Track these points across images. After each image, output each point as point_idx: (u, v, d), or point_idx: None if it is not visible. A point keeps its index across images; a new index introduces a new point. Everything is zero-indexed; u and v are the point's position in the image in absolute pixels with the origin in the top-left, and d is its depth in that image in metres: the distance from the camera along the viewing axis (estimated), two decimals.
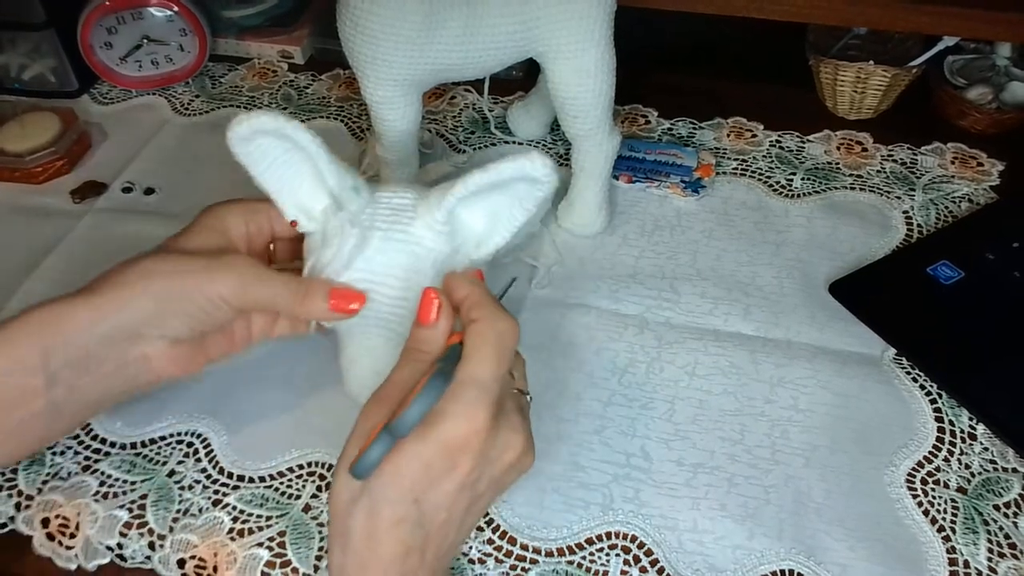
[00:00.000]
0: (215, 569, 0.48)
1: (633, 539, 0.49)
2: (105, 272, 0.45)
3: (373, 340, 0.49)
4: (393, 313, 0.48)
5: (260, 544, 0.49)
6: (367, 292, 0.47)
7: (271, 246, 0.51)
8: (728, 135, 0.75)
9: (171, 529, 0.50)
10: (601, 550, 0.48)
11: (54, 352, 0.43)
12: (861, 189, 0.69)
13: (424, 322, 0.43)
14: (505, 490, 0.43)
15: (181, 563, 0.49)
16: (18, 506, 0.52)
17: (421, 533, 0.39)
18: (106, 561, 0.50)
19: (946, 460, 0.52)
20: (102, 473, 0.53)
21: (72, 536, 0.50)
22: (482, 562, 0.48)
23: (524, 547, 0.49)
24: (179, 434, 0.55)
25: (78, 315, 0.43)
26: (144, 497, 0.51)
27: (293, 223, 0.49)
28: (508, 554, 0.49)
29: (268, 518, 0.50)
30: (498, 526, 0.50)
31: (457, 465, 0.39)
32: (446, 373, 0.40)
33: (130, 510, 0.51)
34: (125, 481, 0.52)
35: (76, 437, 0.55)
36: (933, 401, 0.54)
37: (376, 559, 0.39)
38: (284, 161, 0.48)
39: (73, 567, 0.50)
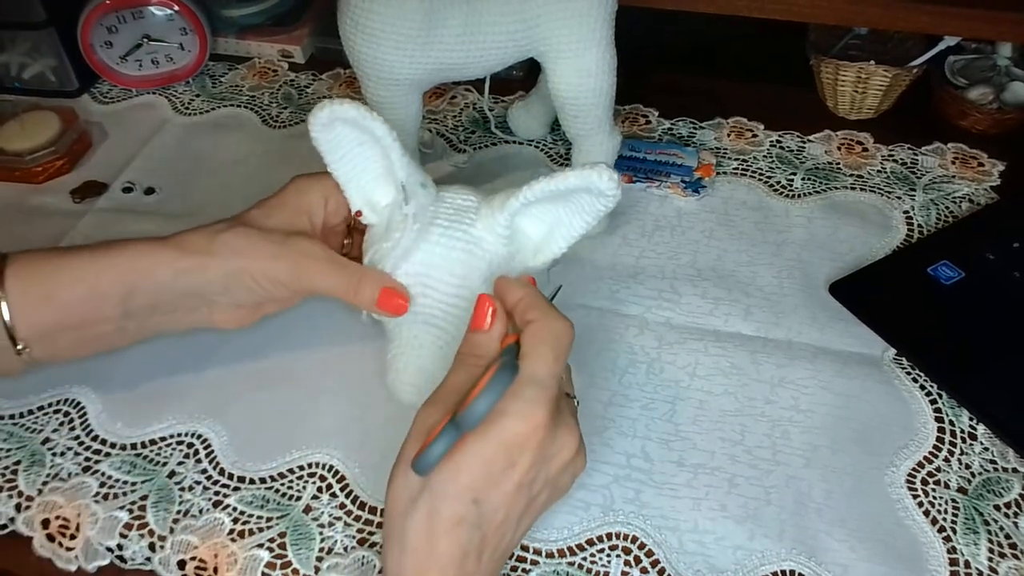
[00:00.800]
0: (215, 570, 0.48)
1: (634, 540, 0.49)
2: (195, 230, 0.49)
3: (421, 336, 0.49)
4: (444, 311, 0.49)
5: (260, 545, 0.49)
6: (421, 286, 0.49)
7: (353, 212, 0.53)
8: (728, 135, 0.75)
9: (171, 530, 0.50)
10: (602, 551, 0.48)
11: (135, 293, 0.48)
12: (862, 189, 0.69)
13: (479, 327, 0.44)
14: (561, 494, 0.44)
15: (181, 564, 0.49)
16: (18, 507, 0.51)
17: (478, 535, 0.39)
18: (106, 562, 0.50)
19: (946, 460, 0.52)
20: (102, 474, 0.53)
21: (72, 537, 0.50)
22: None
23: (525, 548, 0.49)
24: (179, 435, 0.55)
25: (164, 268, 0.48)
26: (144, 498, 0.51)
27: (358, 213, 0.51)
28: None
29: (268, 519, 0.50)
30: None
31: (516, 463, 0.39)
32: (512, 367, 0.40)
33: (130, 511, 0.51)
34: (125, 482, 0.52)
35: (76, 438, 0.55)
36: (933, 401, 0.54)
37: (434, 560, 0.39)
38: (357, 153, 0.50)
39: (73, 568, 0.50)
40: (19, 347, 0.48)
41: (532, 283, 0.47)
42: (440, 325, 0.49)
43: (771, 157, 0.73)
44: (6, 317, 0.47)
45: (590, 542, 0.49)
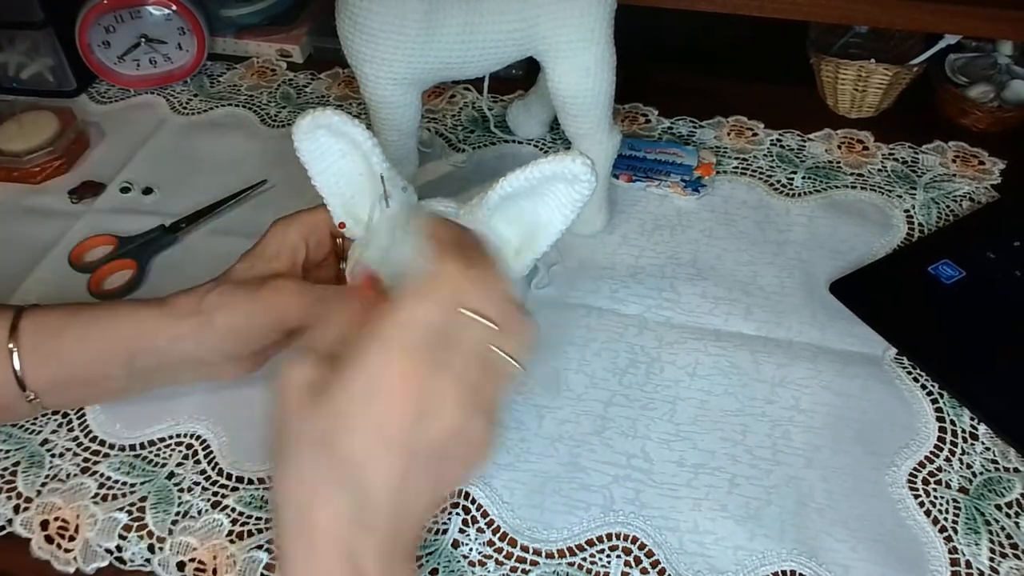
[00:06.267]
0: (215, 572, 0.48)
1: (634, 540, 0.49)
2: (186, 292, 0.50)
3: None
4: None
5: (259, 547, 0.49)
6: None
7: (338, 240, 0.54)
8: (729, 134, 0.75)
9: (170, 531, 0.50)
10: (602, 551, 0.48)
11: (137, 356, 0.50)
12: (862, 188, 0.69)
13: None
14: (458, 479, 0.40)
15: (181, 566, 0.49)
16: (17, 508, 0.51)
17: (357, 499, 0.35)
18: (105, 564, 0.49)
19: (948, 460, 0.51)
20: (101, 475, 0.53)
21: (71, 539, 0.50)
22: (482, 564, 0.48)
23: (524, 548, 0.49)
24: (178, 436, 0.55)
25: (161, 335, 0.49)
26: (143, 499, 0.51)
27: (341, 225, 0.51)
28: (508, 556, 0.48)
29: (268, 520, 0.50)
30: (498, 527, 0.49)
31: (386, 416, 0.35)
32: None
33: (129, 512, 0.51)
34: (124, 483, 0.52)
35: (75, 439, 0.54)
36: (935, 401, 0.54)
37: (312, 527, 0.35)
38: (340, 166, 0.50)
39: (72, 570, 0.49)
40: (30, 397, 0.49)
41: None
42: None
43: (771, 156, 0.73)
44: (17, 368, 0.48)
45: (590, 542, 0.49)
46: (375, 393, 0.35)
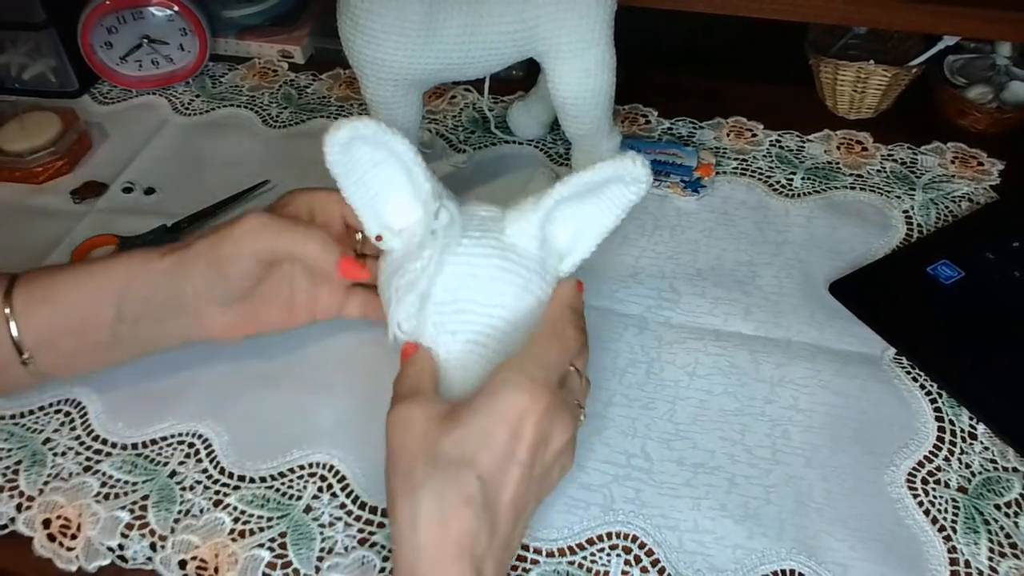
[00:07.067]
0: (216, 570, 0.48)
1: (634, 539, 0.49)
2: (186, 239, 0.52)
3: (464, 357, 0.46)
4: (485, 326, 0.46)
5: (261, 545, 0.49)
6: (461, 302, 0.46)
7: (358, 235, 0.54)
8: (728, 135, 0.75)
9: (172, 530, 0.50)
10: (602, 550, 0.48)
11: (127, 295, 0.50)
12: (861, 188, 0.69)
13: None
14: (550, 489, 0.45)
15: (182, 564, 0.49)
16: (19, 507, 0.52)
17: (488, 516, 0.40)
18: (107, 562, 0.50)
19: (946, 460, 0.52)
20: (103, 474, 0.53)
21: (73, 537, 0.50)
22: None
23: (525, 547, 0.49)
24: (180, 435, 0.55)
25: (154, 273, 0.51)
26: (146, 498, 0.52)
27: (378, 238, 0.49)
28: None
29: (269, 519, 0.50)
30: None
31: (519, 436, 0.41)
32: None
33: (131, 511, 0.51)
34: (127, 482, 0.52)
35: (77, 438, 0.55)
36: (933, 401, 0.54)
37: (447, 540, 0.39)
38: (372, 176, 0.48)
39: (74, 568, 0.50)
40: (24, 356, 0.49)
41: (580, 288, 0.50)
42: (483, 342, 0.46)
43: (771, 157, 0.73)
44: (14, 332, 0.49)
45: (590, 541, 0.49)
46: (509, 417, 0.41)
